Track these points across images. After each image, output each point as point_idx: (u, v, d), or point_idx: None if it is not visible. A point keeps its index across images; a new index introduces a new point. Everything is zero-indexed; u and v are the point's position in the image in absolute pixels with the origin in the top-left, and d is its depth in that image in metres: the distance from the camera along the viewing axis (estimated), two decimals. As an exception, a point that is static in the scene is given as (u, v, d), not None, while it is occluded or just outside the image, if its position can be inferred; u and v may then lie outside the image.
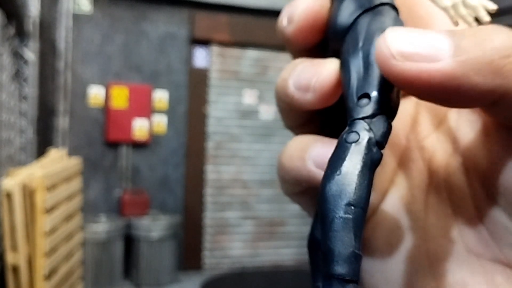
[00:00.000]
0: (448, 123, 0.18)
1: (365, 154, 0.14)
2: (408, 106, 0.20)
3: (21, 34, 2.57)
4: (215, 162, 3.61)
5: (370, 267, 0.18)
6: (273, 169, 3.68)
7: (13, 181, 1.83)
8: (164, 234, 3.16)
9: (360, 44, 0.16)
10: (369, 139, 0.14)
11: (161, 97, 3.47)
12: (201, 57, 3.56)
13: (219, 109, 3.61)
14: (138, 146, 3.43)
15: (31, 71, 2.68)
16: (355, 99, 0.15)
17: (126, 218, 3.23)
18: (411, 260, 0.17)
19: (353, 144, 0.14)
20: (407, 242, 0.18)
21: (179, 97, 3.51)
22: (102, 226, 3.04)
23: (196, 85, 3.55)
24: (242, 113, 3.67)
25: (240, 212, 3.65)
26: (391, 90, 0.16)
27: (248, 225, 3.65)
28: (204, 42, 3.54)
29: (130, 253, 3.21)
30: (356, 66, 0.16)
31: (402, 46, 0.14)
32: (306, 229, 3.82)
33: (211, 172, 3.61)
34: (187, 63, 3.53)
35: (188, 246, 3.52)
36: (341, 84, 0.17)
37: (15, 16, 2.40)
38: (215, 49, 3.58)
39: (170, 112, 3.50)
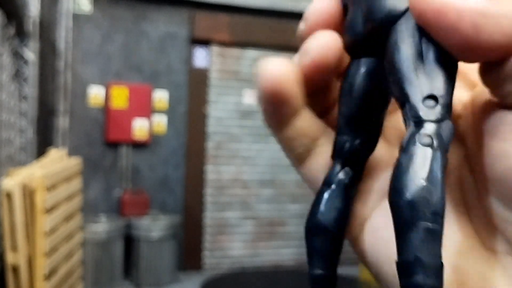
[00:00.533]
0: (459, 129, 0.19)
1: (441, 159, 0.14)
2: None
3: (21, 34, 2.57)
4: (215, 162, 3.61)
5: (388, 259, 0.19)
6: (273, 169, 3.68)
7: (13, 181, 1.83)
8: (164, 234, 3.16)
9: (419, 36, 0.16)
10: (441, 144, 0.14)
11: (161, 97, 3.47)
12: (201, 57, 3.56)
13: (219, 109, 3.61)
14: (138, 146, 3.43)
15: (31, 71, 2.68)
16: (421, 98, 0.15)
17: (126, 218, 3.23)
18: None
19: (429, 148, 0.14)
20: None
21: (179, 97, 3.51)
22: (102, 226, 3.04)
23: (196, 85, 3.55)
24: (242, 113, 3.67)
25: (240, 212, 3.65)
26: (453, 93, 0.15)
27: (248, 225, 3.65)
28: (204, 42, 3.54)
29: (130, 253, 3.21)
30: (415, 60, 0.15)
31: None
32: (306, 229, 3.82)
33: (211, 172, 3.61)
34: (187, 63, 3.53)
35: (188, 246, 3.52)
36: (332, 15, 0.18)
37: (15, 16, 2.40)
38: (215, 49, 3.58)
39: (170, 112, 3.50)
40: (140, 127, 3.37)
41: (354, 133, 0.19)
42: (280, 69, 0.19)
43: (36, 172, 1.94)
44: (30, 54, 2.65)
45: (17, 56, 2.58)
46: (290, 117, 0.20)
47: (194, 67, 3.55)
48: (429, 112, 0.15)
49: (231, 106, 3.64)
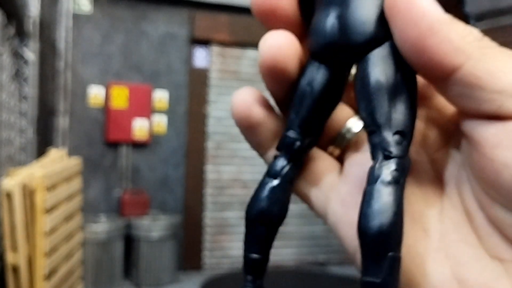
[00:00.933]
0: (457, 137, 0.19)
1: (403, 194, 0.16)
2: (417, 123, 0.20)
3: (21, 34, 2.57)
4: (215, 162, 3.61)
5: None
6: (273, 169, 3.68)
7: (13, 181, 1.83)
8: (164, 234, 3.16)
9: (395, 68, 0.17)
10: (404, 179, 0.17)
11: (161, 97, 3.47)
12: (201, 57, 3.56)
13: (219, 109, 3.61)
14: (138, 146, 3.43)
15: (31, 71, 2.68)
16: (392, 133, 0.17)
17: (126, 218, 3.23)
18: (431, 262, 0.17)
19: (396, 185, 0.16)
20: (424, 244, 0.18)
21: (179, 97, 3.51)
22: (102, 226, 3.04)
23: (196, 85, 3.55)
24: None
25: (240, 212, 3.65)
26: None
27: (248, 225, 3.64)
28: (204, 42, 3.54)
29: (130, 253, 3.21)
30: (389, 92, 0.17)
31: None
32: (306, 229, 3.82)
33: (211, 172, 3.61)
34: (187, 63, 3.53)
35: (188, 246, 3.52)
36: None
37: (15, 16, 2.40)
38: (215, 49, 3.58)
39: (170, 112, 3.50)
40: (140, 127, 3.37)
41: (305, 134, 0.20)
42: (247, 100, 0.20)
43: (36, 172, 1.94)
44: (30, 54, 2.65)
45: (17, 56, 2.58)
46: (268, 141, 0.21)
47: (194, 67, 3.55)
48: (397, 148, 0.17)
49: (231, 106, 3.64)
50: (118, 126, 3.32)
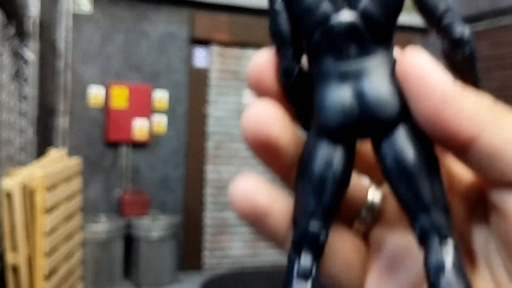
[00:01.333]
0: (480, 207, 0.19)
1: None
2: None
3: (21, 34, 2.57)
4: (215, 162, 3.61)
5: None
6: (273, 169, 3.68)
7: (13, 181, 1.83)
8: (164, 234, 3.16)
9: (423, 143, 0.16)
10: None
11: (161, 97, 3.47)
12: (201, 57, 3.56)
13: (219, 109, 3.61)
14: (138, 146, 3.43)
15: (31, 71, 2.68)
16: (441, 211, 0.16)
17: (126, 218, 3.23)
18: None
19: (461, 267, 0.16)
20: None
21: (179, 97, 3.51)
22: (102, 226, 3.04)
23: (196, 85, 3.55)
24: (242, 113, 3.65)
25: (240, 212, 3.65)
26: None
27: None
28: (204, 42, 3.54)
29: (130, 253, 3.21)
30: (427, 170, 0.16)
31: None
32: (306, 229, 3.82)
33: (211, 172, 3.61)
34: (187, 63, 3.53)
35: (188, 246, 3.52)
36: (270, 67, 0.19)
37: (15, 16, 2.40)
38: (215, 49, 3.58)
39: (170, 112, 3.50)
40: (140, 127, 3.37)
41: (328, 221, 0.18)
42: (247, 188, 0.19)
43: (36, 172, 1.94)
44: (30, 54, 2.65)
45: (17, 56, 2.58)
46: (284, 230, 0.19)
47: (194, 67, 3.55)
48: (447, 227, 0.16)
49: (231, 106, 3.64)
50: (118, 126, 3.32)
